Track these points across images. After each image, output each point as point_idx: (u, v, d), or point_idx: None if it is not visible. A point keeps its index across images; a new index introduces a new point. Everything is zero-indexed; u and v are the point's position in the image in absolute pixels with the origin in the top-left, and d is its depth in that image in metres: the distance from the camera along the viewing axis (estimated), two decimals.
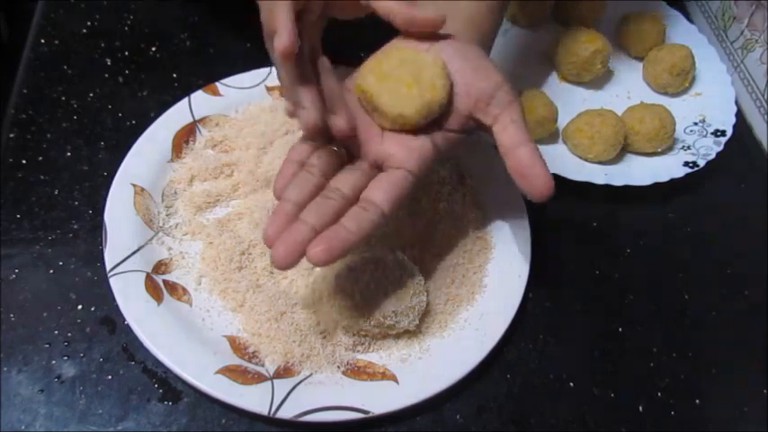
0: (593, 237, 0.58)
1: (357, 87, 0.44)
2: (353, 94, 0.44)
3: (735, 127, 0.63)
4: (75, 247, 0.50)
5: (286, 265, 0.38)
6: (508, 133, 0.42)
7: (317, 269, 0.50)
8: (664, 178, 0.58)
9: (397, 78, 0.42)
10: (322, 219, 0.40)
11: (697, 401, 0.50)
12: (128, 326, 0.45)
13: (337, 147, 0.44)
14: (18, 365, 0.45)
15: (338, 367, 0.46)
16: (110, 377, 0.45)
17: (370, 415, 0.44)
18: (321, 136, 0.42)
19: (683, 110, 0.65)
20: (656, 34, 0.68)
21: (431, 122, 0.43)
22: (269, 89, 0.59)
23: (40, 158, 0.55)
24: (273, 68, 0.59)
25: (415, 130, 0.43)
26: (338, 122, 0.41)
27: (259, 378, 0.45)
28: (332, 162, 0.43)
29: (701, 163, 0.60)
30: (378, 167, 0.43)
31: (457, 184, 0.55)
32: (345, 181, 0.42)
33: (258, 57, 0.55)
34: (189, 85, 0.60)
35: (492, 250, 0.53)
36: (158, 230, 0.51)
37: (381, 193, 0.41)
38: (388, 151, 0.43)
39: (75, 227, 0.52)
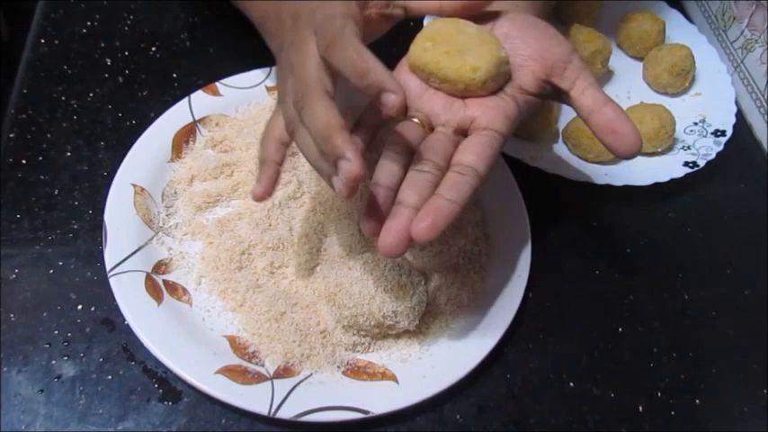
0: (593, 237, 0.58)
1: (414, 65, 0.43)
2: (412, 76, 0.43)
3: (735, 127, 0.63)
4: (75, 247, 0.50)
5: (397, 253, 0.37)
6: (589, 95, 0.42)
7: (318, 269, 0.50)
8: (664, 178, 0.58)
9: (452, 47, 0.42)
10: (421, 195, 0.38)
11: (697, 401, 0.50)
12: (128, 326, 0.45)
13: (418, 119, 0.42)
14: (18, 365, 0.45)
15: (338, 367, 0.46)
16: (110, 377, 0.45)
17: (370, 415, 0.44)
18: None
19: (683, 110, 0.65)
20: (656, 34, 0.68)
21: (508, 85, 0.43)
22: (269, 89, 0.59)
23: (40, 158, 0.55)
24: (273, 68, 0.59)
25: (492, 92, 0.42)
26: (390, 98, 0.35)
27: (259, 378, 0.45)
28: (414, 136, 0.41)
29: (701, 163, 0.60)
30: (462, 133, 0.42)
31: None
32: (433, 150, 0.40)
33: (258, 57, 0.55)
34: (189, 85, 0.60)
35: (492, 250, 0.53)
36: (158, 230, 0.51)
37: (474, 155, 0.40)
38: (472, 114, 0.42)
39: (75, 227, 0.52)
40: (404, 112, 0.40)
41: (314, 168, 0.39)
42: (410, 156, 0.40)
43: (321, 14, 0.38)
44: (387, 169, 0.39)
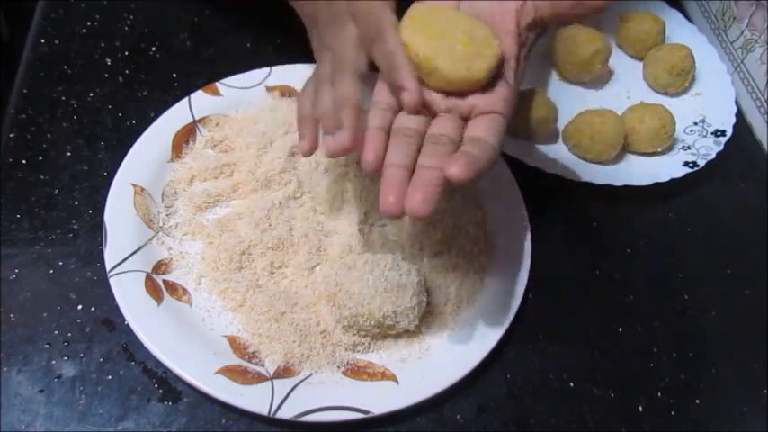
0: (593, 237, 0.58)
1: (408, 48, 0.41)
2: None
3: (735, 127, 0.63)
4: (75, 247, 0.50)
5: (428, 209, 0.37)
6: None
7: (317, 269, 0.50)
8: (664, 178, 0.58)
9: (450, 38, 0.41)
10: (441, 159, 0.38)
11: (697, 401, 0.50)
12: (128, 326, 0.45)
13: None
14: (18, 365, 0.45)
15: (338, 367, 0.46)
16: (110, 377, 0.45)
17: (370, 415, 0.44)
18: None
19: (683, 110, 0.65)
20: (656, 34, 0.68)
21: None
22: (269, 89, 0.59)
23: (40, 158, 0.55)
24: (273, 68, 0.59)
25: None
26: (406, 97, 0.41)
27: (259, 378, 0.45)
28: (423, 121, 0.41)
29: (701, 163, 0.60)
30: (464, 119, 0.42)
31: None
32: (445, 128, 0.41)
33: (258, 57, 0.55)
34: (189, 85, 0.59)
35: (492, 250, 0.53)
36: (158, 230, 0.51)
37: (485, 130, 0.40)
38: (472, 102, 0.42)
39: (75, 227, 0.52)
40: (416, 111, 0.41)
41: (320, 117, 0.43)
42: (418, 139, 0.41)
43: (362, 4, 0.42)
44: (401, 151, 0.39)
